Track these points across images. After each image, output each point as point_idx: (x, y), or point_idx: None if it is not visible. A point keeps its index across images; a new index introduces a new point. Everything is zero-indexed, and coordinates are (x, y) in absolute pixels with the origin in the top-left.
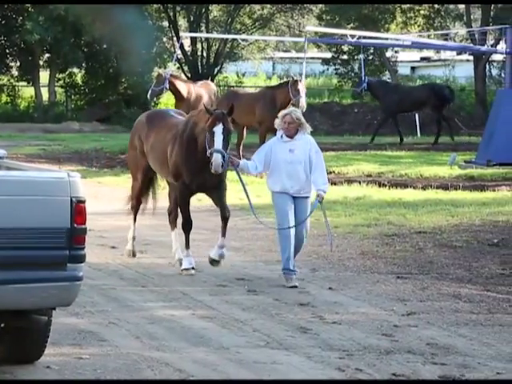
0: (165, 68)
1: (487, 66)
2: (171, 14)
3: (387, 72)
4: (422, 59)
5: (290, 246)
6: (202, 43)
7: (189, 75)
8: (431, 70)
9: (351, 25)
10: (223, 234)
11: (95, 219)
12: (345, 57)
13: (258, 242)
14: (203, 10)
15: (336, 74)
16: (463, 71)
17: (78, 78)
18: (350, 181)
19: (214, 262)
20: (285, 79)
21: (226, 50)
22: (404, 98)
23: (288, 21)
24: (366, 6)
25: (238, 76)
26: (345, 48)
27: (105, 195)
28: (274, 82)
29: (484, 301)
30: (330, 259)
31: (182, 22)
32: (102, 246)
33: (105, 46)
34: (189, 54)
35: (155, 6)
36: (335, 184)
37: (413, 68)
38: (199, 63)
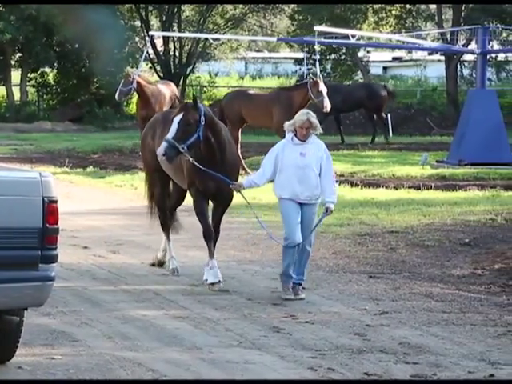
0: (137, 68)
1: (459, 66)
2: (143, 13)
3: (359, 72)
4: (394, 59)
5: (293, 257)
6: (174, 43)
7: (161, 75)
8: (403, 70)
9: (323, 25)
10: (211, 255)
11: (67, 219)
12: (317, 57)
13: (231, 241)
14: (175, 10)
15: (309, 74)
16: (435, 71)
17: (50, 78)
18: None
19: (215, 286)
20: (258, 79)
21: (199, 49)
22: (346, 97)
23: (260, 21)
24: (338, 6)
25: (210, 76)
26: (317, 48)
27: (77, 195)
28: (247, 81)
29: (456, 300)
30: None
31: (155, 22)
32: (74, 246)
33: (77, 46)
34: (161, 53)
35: (127, 5)
36: None
37: (385, 68)
38: (171, 63)
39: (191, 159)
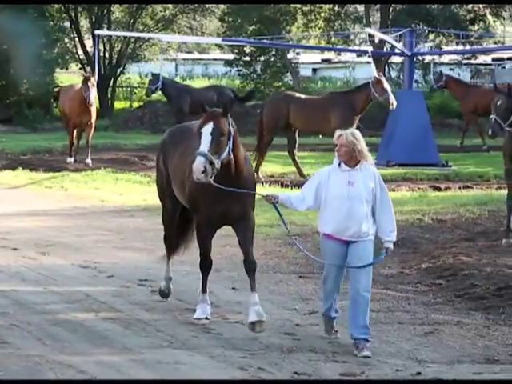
0: (67, 69)
1: (386, 68)
2: (73, 14)
3: (289, 74)
4: (323, 61)
5: (332, 298)
6: (104, 44)
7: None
8: (332, 71)
9: (253, 26)
10: (252, 288)
11: None
12: (247, 58)
13: (162, 242)
14: (105, 11)
15: (239, 75)
16: (363, 73)
17: None
18: None
19: (256, 325)
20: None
21: (129, 51)
22: (197, 99)
23: (190, 22)
24: (268, 8)
25: (140, 77)
26: (247, 50)
27: (6, 197)
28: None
29: (384, 299)
30: (233, 260)
31: (84, 23)
32: (3, 247)
33: (5, 47)
34: (91, 54)
35: (56, 6)
36: None
37: (314, 70)
38: (102, 64)
39: (211, 181)
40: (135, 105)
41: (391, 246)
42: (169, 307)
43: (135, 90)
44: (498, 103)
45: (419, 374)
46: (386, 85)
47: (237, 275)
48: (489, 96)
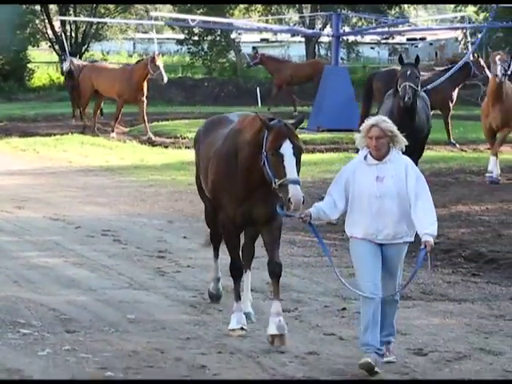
0: (38, 47)
1: (316, 47)
2: None
3: (232, 51)
4: (262, 40)
5: (372, 318)
6: (70, 25)
7: (59, 52)
8: (270, 49)
9: (201, 10)
10: (276, 297)
11: None
12: (196, 38)
13: (122, 198)
14: None
15: (188, 52)
16: (296, 51)
17: None
18: None
19: (275, 339)
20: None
21: (92, 31)
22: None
23: (146, 6)
24: None
25: (103, 54)
26: (196, 30)
27: None
28: (135, 59)
29: (314, 246)
30: (184, 212)
31: (53, 6)
32: None
33: None
34: (59, 34)
35: None
36: (188, 148)
37: (254, 48)
38: (68, 43)
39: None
40: None
41: (431, 240)
42: (128, 254)
43: None
44: (409, 72)
45: (344, 309)
46: (484, 64)
47: (188, 226)
48: (300, 68)
